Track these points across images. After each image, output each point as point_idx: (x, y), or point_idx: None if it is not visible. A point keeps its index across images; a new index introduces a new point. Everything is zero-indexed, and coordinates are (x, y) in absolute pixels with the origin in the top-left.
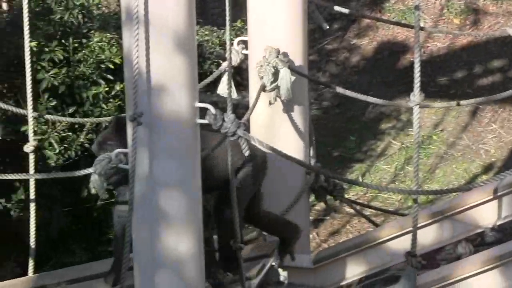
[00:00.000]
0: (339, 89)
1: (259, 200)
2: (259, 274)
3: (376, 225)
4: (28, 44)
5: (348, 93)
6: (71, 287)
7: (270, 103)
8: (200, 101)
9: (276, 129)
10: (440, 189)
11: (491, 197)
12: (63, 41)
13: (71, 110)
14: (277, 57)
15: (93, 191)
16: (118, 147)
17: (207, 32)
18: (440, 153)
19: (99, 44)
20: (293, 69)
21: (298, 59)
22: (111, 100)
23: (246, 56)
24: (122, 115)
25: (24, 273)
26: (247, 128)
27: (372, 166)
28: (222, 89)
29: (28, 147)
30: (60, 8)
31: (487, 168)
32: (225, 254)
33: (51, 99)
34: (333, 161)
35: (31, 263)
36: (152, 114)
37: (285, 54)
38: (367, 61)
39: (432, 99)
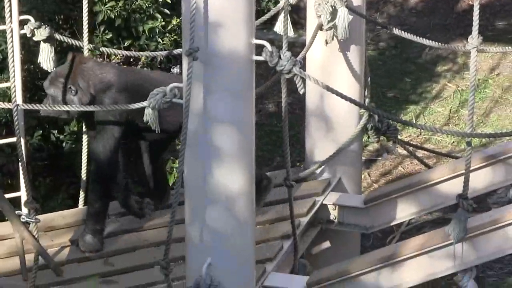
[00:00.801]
0: (396, 31)
1: None
2: (309, 212)
3: (428, 167)
4: None
5: (405, 35)
6: (121, 219)
7: (326, 42)
8: (257, 38)
9: (332, 69)
10: (494, 132)
11: None
12: None
13: (126, 44)
14: None
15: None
16: (68, 85)
17: None
18: (495, 97)
19: None
20: (350, 9)
21: None
22: (167, 34)
23: None
24: (82, 54)
25: (75, 205)
26: (302, 66)
27: (427, 108)
28: (279, 27)
29: None
30: None
31: None
32: None
33: (107, 31)
34: (388, 102)
35: (81, 195)
36: (208, 49)
37: None
38: (426, 3)
39: (490, 42)
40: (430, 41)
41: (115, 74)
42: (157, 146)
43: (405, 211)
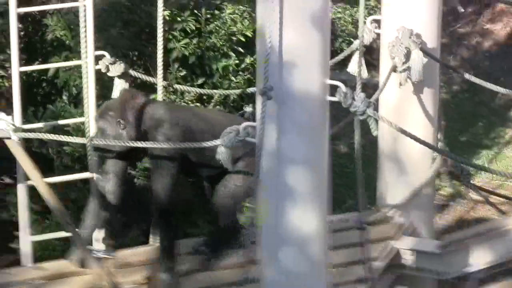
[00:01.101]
0: (467, 76)
1: None
2: (382, 256)
3: (501, 212)
4: (161, 13)
5: (477, 80)
6: (196, 258)
7: (400, 84)
8: (330, 79)
9: (405, 111)
10: None
11: None
12: (195, 11)
13: (200, 81)
14: (410, 38)
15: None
16: (117, 119)
17: (339, 10)
18: None
19: (232, 16)
20: (425, 51)
21: (430, 42)
22: (240, 73)
23: (378, 35)
24: (133, 90)
25: (147, 241)
26: (376, 108)
27: (499, 153)
28: (353, 67)
29: None
30: None
31: None
32: None
33: (180, 69)
34: (460, 146)
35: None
36: (282, 88)
37: (418, 36)
38: (500, 46)
39: None
40: (501, 88)
41: (166, 111)
42: (216, 183)
43: (480, 257)
